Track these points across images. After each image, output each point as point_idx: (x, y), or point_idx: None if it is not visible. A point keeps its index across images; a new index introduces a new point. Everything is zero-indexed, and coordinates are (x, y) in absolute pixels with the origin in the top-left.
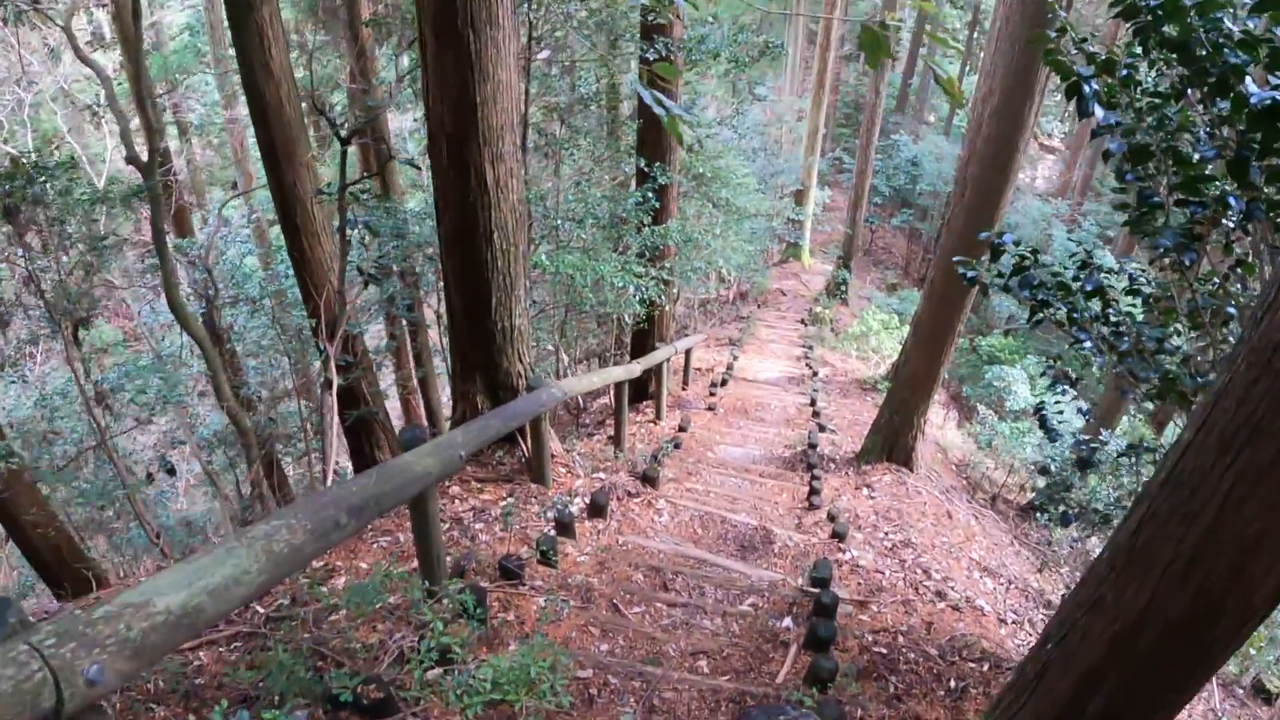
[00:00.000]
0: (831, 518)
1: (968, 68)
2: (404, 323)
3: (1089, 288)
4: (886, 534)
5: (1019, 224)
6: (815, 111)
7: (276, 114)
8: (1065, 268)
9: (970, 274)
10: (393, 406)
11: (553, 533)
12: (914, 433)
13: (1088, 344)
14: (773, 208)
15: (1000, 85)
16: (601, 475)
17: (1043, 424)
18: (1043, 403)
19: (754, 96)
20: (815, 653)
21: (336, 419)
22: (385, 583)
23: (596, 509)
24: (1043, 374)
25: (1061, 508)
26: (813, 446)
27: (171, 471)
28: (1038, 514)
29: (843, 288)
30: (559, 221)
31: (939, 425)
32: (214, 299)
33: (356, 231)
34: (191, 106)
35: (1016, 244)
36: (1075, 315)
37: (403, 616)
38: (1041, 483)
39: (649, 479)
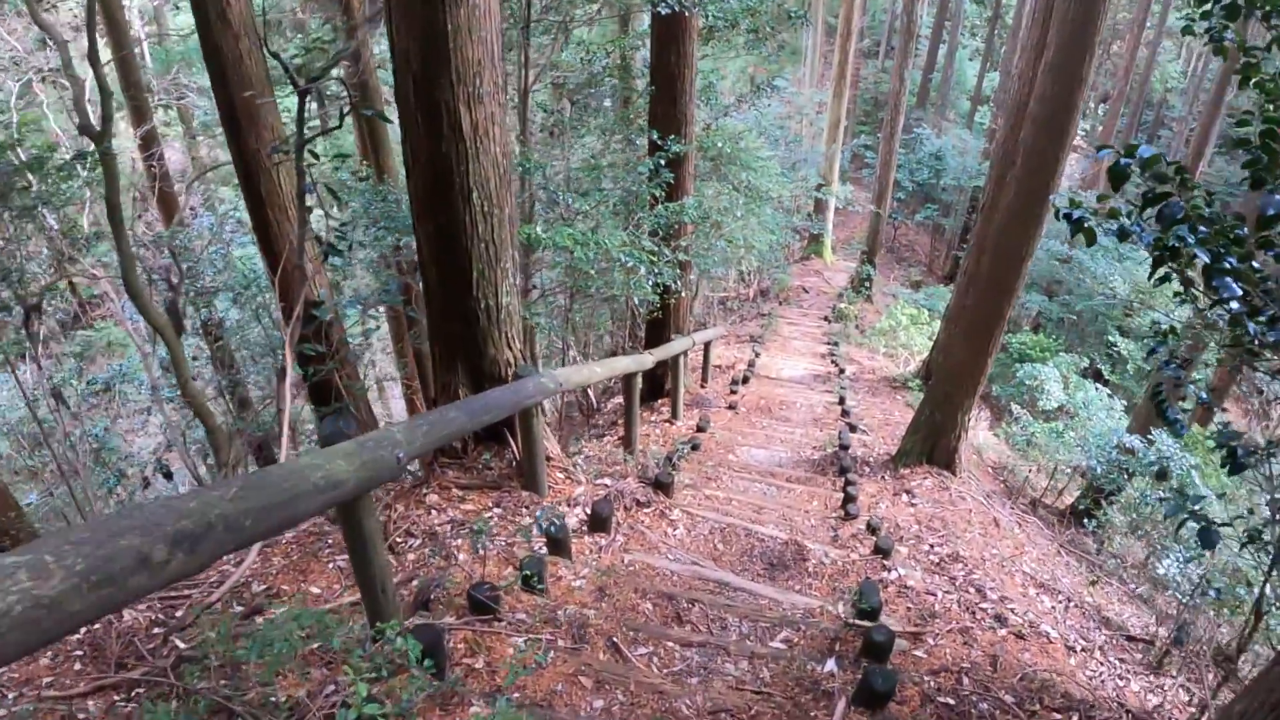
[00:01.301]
0: (872, 529)
1: (988, 65)
2: (405, 318)
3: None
4: (932, 546)
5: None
6: (836, 103)
7: (235, 69)
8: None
9: (1078, 214)
10: (399, 408)
11: (542, 551)
12: (957, 432)
13: (1235, 305)
14: (793, 197)
15: (1056, 38)
16: (607, 481)
17: (1160, 412)
18: (1160, 387)
19: (772, 88)
20: (869, 711)
21: (288, 413)
22: (301, 623)
23: (598, 521)
24: (1153, 352)
25: (1202, 523)
26: (844, 448)
27: (169, 475)
28: (1086, 519)
29: (867, 284)
30: (562, 196)
31: (970, 426)
32: (178, 285)
33: (318, 198)
34: (197, 103)
35: (1150, 162)
36: (1227, 265)
37: (344, 659)
38: (1162, 489)
39: (662, 485)
